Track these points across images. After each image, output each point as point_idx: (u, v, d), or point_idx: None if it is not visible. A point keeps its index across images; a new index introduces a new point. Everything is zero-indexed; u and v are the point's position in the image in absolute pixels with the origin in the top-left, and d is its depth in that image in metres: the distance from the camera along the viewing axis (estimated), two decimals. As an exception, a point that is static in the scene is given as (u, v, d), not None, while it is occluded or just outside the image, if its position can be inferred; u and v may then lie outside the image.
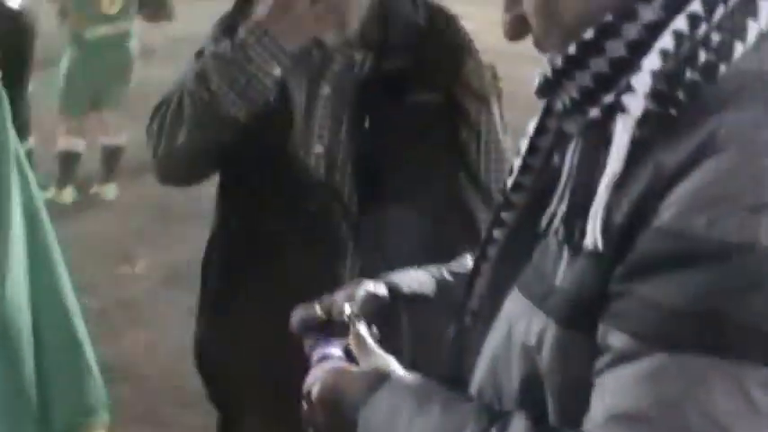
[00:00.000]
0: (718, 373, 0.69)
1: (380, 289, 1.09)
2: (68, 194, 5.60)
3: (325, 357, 0.97)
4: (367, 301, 1.06)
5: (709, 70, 0.78)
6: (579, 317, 0.79)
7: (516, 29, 0.89)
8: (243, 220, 1.61)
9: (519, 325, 0.85)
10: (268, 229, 1.55)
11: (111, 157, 5.65)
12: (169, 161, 1.61)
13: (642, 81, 0.78)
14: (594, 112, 0.82)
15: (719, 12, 0.79)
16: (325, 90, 1.56)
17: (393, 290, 1.10)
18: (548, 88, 0.87)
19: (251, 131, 1.51)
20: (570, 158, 0.87)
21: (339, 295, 1.08)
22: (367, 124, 1.51)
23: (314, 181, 1.55)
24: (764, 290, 0.69)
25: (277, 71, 1.47)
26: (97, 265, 4.57)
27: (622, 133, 0.79)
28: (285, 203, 1.55)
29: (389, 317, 1.07)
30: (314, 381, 0.95)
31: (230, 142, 1.53)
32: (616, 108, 0.80)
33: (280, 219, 1.54)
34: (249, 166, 1.57)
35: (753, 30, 0.79)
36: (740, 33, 0.79)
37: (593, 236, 0.78)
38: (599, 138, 0.82)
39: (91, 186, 5.75)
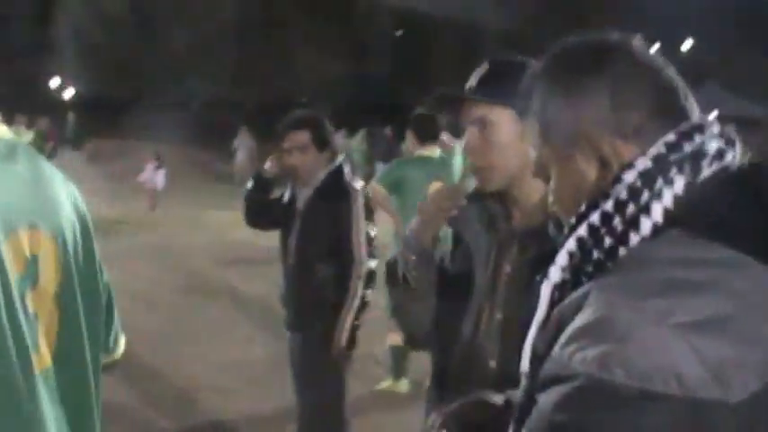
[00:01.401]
0: None
1: (497, 398, 1.43)
2: (404, 386, 6.10)
3: None
4: (474, 405, 1.44)
5: (611, 252, 1.08)
6: (522, 421, 1.06)
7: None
8: (442, 356, 2.06)
9: None
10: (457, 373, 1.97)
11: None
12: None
13: (561, 258, 1.13)
14: (539, 278, 1.18)
15: (630, 209, 1.08)
16: (507, 269, 1.92)
17: (509, 400, 1.40)
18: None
19: (448, 304, 2.00)
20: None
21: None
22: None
23: (493, 341, 1.90)
24: (598, 409, 0.93)
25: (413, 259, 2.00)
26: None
27: (545, 293, 1.14)
28: (470, 359, 1.92)
29: (500, 422, 1.36)
30: None
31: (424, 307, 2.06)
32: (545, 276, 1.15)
33: (465, 368, 1.92)
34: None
35: (646, 223, 1.06)
36: (635, 226, 1.07)
37: (524, 363, 1.15)
38: (538, 296, 1.16)
39: (425, 379, 6.12)
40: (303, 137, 3.94)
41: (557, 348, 1.01)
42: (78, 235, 1.55)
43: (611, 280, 1.04)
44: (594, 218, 1.10)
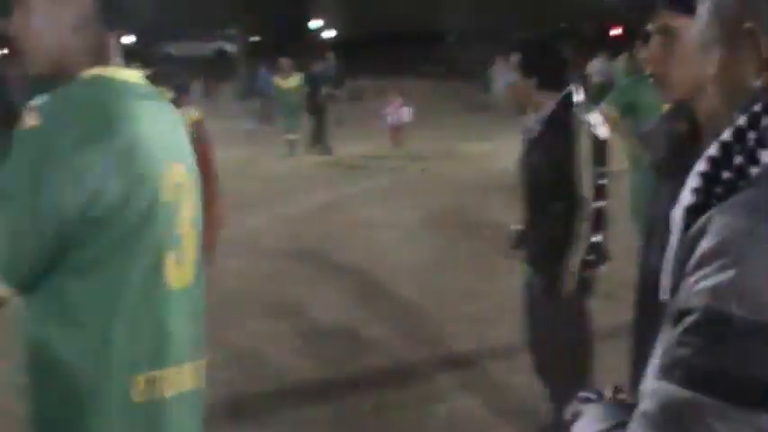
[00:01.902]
0: (687, 402, 0.89)
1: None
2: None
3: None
4: None
5: (741, 171, 0.98)
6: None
7: None
8: None
9: None
10: None
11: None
12: None
13: (693, 179, 1.02)
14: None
15: (764, 123, 0.97)
16: None
17: None
18: None
19: None
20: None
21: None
22: None
23: None
24: (714, 342, 0.88)
25: None
26: None
27: (677, 218, 1.04)
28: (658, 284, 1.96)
29: None
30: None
31: None
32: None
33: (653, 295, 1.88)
34: None
35: None
36: (764, 142, 0.97)
37: (662, 291, 1.05)
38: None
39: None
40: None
41: (683, 279, 0.96)
42: (195, 170, 1.80)
43: (733, 201, 0.96)
44: (728, 134, 1.00)
